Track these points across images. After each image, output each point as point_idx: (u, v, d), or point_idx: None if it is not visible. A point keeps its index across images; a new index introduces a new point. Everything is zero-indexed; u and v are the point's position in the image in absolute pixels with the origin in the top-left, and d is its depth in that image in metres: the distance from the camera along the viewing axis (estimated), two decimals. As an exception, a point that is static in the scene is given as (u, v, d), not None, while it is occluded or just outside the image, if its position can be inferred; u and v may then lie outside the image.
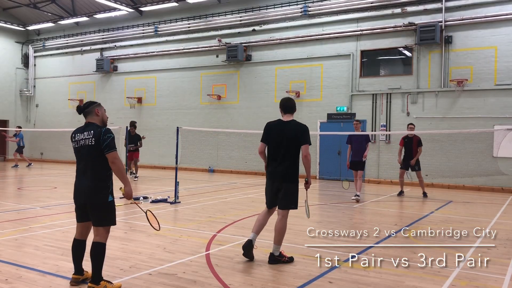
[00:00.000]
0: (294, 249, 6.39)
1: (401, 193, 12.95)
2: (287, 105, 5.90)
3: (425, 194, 12.55)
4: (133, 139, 15.85)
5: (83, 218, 4.77)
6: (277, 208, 5.81)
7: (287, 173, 5.67)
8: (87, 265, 5.19)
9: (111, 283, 4.63)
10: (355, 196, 11.53)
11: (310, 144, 5.73)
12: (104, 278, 4.63)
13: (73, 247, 4.81)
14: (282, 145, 5.69)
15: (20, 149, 21.21)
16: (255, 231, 5.83)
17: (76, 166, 4.74)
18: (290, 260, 5.73)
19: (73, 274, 4.83)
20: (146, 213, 5.22)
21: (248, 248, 5.71)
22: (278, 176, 5.70)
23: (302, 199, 5.86)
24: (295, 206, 5.76)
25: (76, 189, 4.71)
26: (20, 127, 21.83)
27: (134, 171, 15.98)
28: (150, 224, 5.11)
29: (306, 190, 5.85)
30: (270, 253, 5.73)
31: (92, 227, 4.69)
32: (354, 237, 7.27)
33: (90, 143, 4.56)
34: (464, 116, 15.27)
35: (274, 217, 5.91)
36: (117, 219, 5.68)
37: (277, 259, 5.66)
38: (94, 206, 4.60)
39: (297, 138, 5.67)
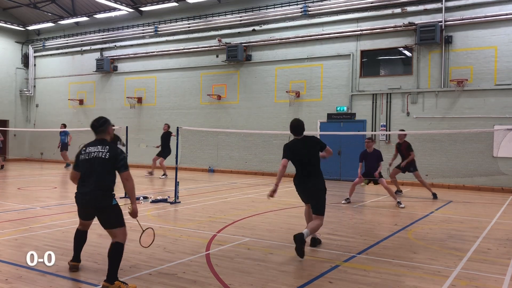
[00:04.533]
0: (294, 249, 6.38)
1: (398, 192, 12.80)
2: (298, 128, 6.63)
3: (434, 195, 12.20)
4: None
5: (87, 218, 5.17)
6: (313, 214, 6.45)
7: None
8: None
9: (126, 284, 4.64)
10: (398, 203, 10.80)
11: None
12: (103, 277, 4.64)
13: (76, 236, 5.26)
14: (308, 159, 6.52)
15: (65, 147, 20.44)
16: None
17: (82, 175, 4.97)
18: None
19: (72, 261, 5.20)
20: (144, 230, 5.41)
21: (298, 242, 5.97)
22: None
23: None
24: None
25: (82, 195, 4.94)
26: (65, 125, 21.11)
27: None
28: (140, 238, 5.32)
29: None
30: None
31: (107, 230, 4.93)
32: (354, 237, 7.28)
33: (104, 156, 4.90)
34: (464, 116, 15.27)
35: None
36: None
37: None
38: (101, 211, 4.89)
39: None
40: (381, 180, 10.90)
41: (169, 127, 16.90)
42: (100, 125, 5.12)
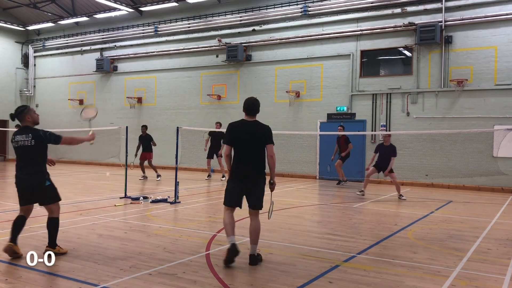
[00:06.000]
0: (294, 249, 6.40)
1: (340, 182, 15.20)
2: (253, 107, 5.79)
3: (339, 182, 14.59)
4: (145, 140, 16.40)
5: (26, 202, 5.77)
6: (249, 209, 5.74)
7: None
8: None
9: (62, 248, 5.78)
10: (399, 196, 12.03)
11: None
12: (103, 277, 4.64)
13: (17, 222, 5.69)
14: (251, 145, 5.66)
15: None
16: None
17: (17, 162, 5.74)
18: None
19: (11, 242, 5.55)
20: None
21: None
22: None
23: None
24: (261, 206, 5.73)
25: (20, 180, 5.67)
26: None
27: (145, 174, 16.48)
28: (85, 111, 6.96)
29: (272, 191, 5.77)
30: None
31: (44, 206, 5.78)
32: (354, 237, 7.27)
33: (29, 144, 5.55)
34: (464, 116, 15.27)
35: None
36: (117, 219, 6.27)
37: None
38: (38, 191, 5.66)
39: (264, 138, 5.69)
40: (392, 174, 12.11)
41: (220, 125, 16.41)
42: (17, 114, 5.70)
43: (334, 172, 16.35)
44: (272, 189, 5.74)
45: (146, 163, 16.53)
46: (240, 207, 5.72)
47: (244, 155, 5.61)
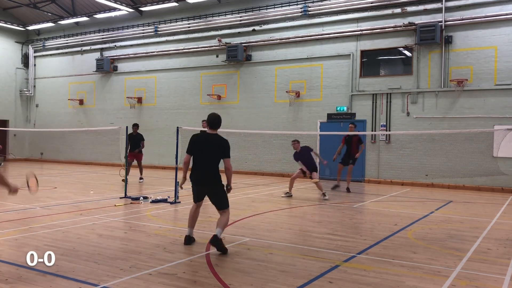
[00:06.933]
0: (294, 249, 6.40)
1: (336, 187, 13.75)
2: (214, 121, 6.40)
3: (348, 190, 13.23)
4: (135, 139, 15.51)
5: None
6: (217, 208, 6.42)
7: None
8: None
9: None
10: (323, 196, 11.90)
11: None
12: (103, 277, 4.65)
13: None
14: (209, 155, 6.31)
15: None
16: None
17: None
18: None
19: None
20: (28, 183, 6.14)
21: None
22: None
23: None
24: (228, 205, 6.37)
25: None
26: None
27: (127, 176, 15.36)
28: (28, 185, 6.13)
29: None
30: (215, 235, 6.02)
31: None
32: (354, 237, 7.27)
33: None
34: (464, 116, 15.27)
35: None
36: (117, 219, 6.17)
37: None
38: None
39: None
40: (314, 173, 12.02)
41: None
42: None
43: (334, 173, 16.34)
44: (228, 191, 6.37)
45: (134, 163, 15.64)
46: (200, 201, 6.60)
47: (201, 164, 6.27)
